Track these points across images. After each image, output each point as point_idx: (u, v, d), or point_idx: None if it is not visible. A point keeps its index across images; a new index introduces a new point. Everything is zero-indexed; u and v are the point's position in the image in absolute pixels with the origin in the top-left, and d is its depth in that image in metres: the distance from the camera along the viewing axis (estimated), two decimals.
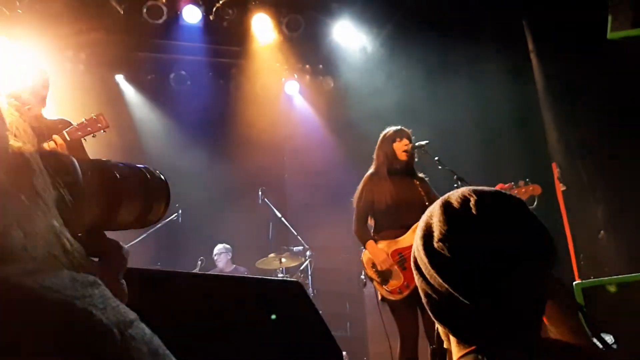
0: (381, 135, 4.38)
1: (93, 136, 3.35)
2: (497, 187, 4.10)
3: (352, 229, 4.31)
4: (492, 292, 0.92)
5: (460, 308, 0.94)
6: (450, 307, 0.96)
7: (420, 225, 1.07)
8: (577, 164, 5.29)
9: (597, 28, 4.46)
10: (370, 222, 4.32)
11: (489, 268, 0.92)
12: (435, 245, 0.98)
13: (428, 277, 0.99)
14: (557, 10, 5.20)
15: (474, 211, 0.98)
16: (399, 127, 4.33)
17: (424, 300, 1.03)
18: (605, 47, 4.51)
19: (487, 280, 0.92)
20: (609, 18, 3.77)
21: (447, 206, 1.03)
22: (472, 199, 1.01)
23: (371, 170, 4.35)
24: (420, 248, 1.01)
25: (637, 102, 4.70)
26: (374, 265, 4.12)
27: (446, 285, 0.95)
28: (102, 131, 3.39)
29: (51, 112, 3.55)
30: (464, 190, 1.05)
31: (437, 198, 1.03)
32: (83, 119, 3.35)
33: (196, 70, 7.46)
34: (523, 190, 4.08)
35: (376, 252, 4.09)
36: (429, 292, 1.00)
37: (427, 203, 4.28)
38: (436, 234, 0.99)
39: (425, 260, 0.99)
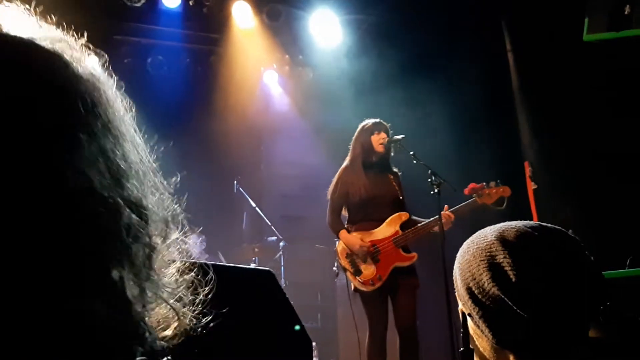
0: (359, 127, 4.40)
1: None
2: (470, 187, 4.17)
3: (326, 221, 4.33)
4: (548, 311, 1.01)
5: (514, 319, 1.01)
6: (504, 318, 1.03)
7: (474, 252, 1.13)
8: (549, 163, 5.38)
9: (574, 30, 4.52)
10: (344, 213, 4.34)
11: (550, 294, 1.01)
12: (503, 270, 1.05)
13: (482, 290, 1.06)
14: (535, 11, 5.27)
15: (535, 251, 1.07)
16: (377, 120, 4.36)
17: (470, 309, 1.10)
18: (581, 49, 4.58)
19: (545, 303, 1.01)
20: (585, 21, 3.84)
21: (504, 241, 1.10)
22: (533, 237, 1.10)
23: (347, 162, 4.37)
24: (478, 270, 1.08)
25: (611, 104, 4.80)
26: (348, 256, 4.15)
27: (505, 298, 1.02)
28: None
29: None
30: (522, 226, 1.13)
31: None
32: None
33: (174, 56, 7.36)
34: (494, 191, 4.15)
35: (350, 239, 4.12)
36: (479, 300, 1.07)
37: (400, 198, 4.32)
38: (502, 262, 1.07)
39: (485, 278, 1.06)
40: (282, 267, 6.36)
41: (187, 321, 0.67)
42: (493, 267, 1.06)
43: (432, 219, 4.08)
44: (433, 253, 4.21)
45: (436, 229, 4.02)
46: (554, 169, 5.27)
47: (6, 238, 0.48)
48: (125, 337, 0.54)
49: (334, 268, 4.44)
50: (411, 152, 4.20)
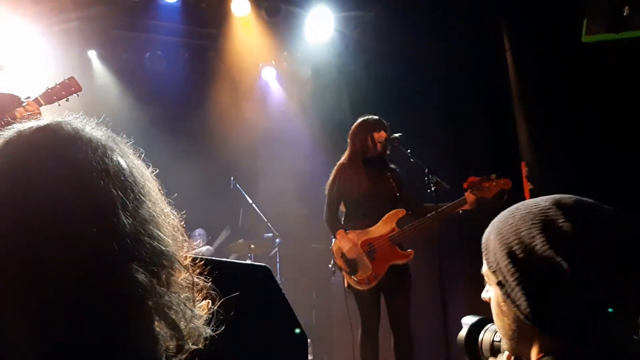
0: (359, 122, 4.37)
1: (66, 100, 3.35)
2: (469, 180, 4.15)
3: (324, 217, 4.32)
4: (614, 290, 0.89)
5: (563, 290, 0.90)
6: (550, 288, 0.91)
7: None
8: (545, 164, 5.39)
9: (573, 31, 4.53)
10: (342, 208, 4.34)
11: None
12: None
13: (530, 252, 0.95)
14: (535, 11, 5.27)
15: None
16: (377, 118, 4.34)
17: (505, 275, 0.98)
18: (580, 50, 4.59)
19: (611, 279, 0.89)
20: (584, 22, 3.84)
21: (563, 206, 1.02)
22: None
23: (344, 158, 4.36)
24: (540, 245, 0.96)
25: (609, 107, 4.80)
26: (343, 255, 4.15)
27: (561, 261, 0.91)
28: (75, 95, 3.40)
29: (23, 84, 3.52)
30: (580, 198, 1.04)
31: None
32: (55, 83, 3.35)
33: (172, 51, 7.34)
34: (494, 183, 4.13)
35: (343, 242, 4.12)
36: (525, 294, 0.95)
37: (397, 194, 4.32)
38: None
39: (539, 240, 0.95)
40: (278, 264, 6.36)
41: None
42: (549, 229, 0.95)
43: (428, 215, 4.07)
44: (428, 250, 4.20)
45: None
46: (551, 170, 5.28)
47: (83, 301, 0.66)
48: None
49: (330, 266, 4.44)
50: (408, 151, 4.20)
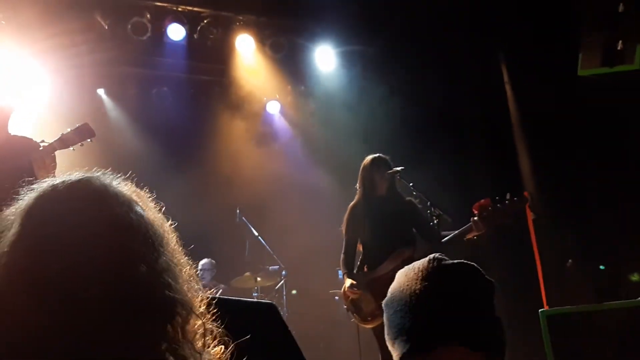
0: (363, 164, 4.41)
1: (81, 145, 3.38)
2: (478, 204, 4.09)
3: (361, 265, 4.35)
4: None
5: None
6: None
7: None
8: (548, 193, 5.43)
9: (570, 64, 4.62)
10: (359, 248, 4.37)
11: None
12: None
13: None
14: (533, 45, 5.38)
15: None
16: (377, 156, 4.35)
17: None
18: (577, 82, 4.68)
19: None
20: (580, 56, 3.93)
21: None
22: None
23: (356, 199, 4.39)
24: None
25: (607, 137, 4.87)
26: (349, 297, 4.17)
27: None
28: (88, 140, 3.42)
29: (33, 124, 3.57)
30: None
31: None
32: (69, 129, 3.39)
33: (179, 87, 7.49)
34: (507, 203, 4.06)
35: (348, 283, 4.16)
36: None
37: (407, 231, 4.28)
38: None
39: None
40: (284, 296, 6.37)
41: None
42: None
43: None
44: None
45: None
46: (553, 200, 5.32)
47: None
48: None
49: (337, 298, 4.43)
50: (410, 184, 4.24)
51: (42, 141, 3.20)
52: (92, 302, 0.73)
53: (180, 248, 0.91)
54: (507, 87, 5.88)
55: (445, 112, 6.30)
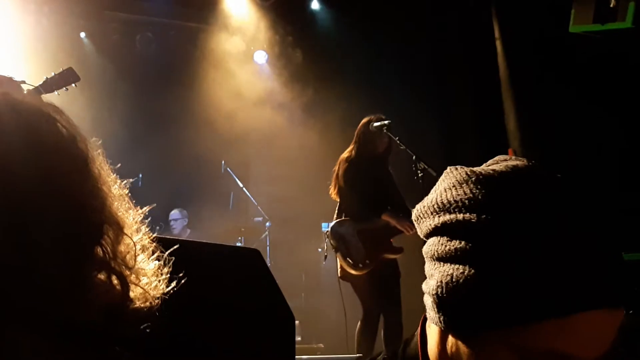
0: (362, 123, 4.35)
1: (66, 90, 3.35)
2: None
3: (356, 213, 4.28)
4: None
5: None
6: None
7: None
8: (533, 151, 5.47)
9: (562, 20, 4.58)
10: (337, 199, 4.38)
11: None
12: None
13: None
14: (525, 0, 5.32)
15: None
16: (386, 122, 4.24)
17: None
18: (568, 39, 4.64)
19: None
20: (572, 12, 3.89)
21: None
22: None
23: (354, 155, 4.32)
24: None
25: (596, 94, 4.87)
26: (340, 238, 4.19)
27: None
28: (73, 85, 3.40)
29: (17, 64, 3.50)
30: None
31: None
32: (53, 73, 3.35)
33: (163, 33, 7.31)
34: None
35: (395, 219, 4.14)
36: None
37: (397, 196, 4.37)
38: None
39: None
40: (268, 247, 6.43)
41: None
42: None
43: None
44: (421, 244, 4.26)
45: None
46: (538, 157, 5.36)
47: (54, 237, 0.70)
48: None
49: (320, 250, 4.47)
50: (397, 138, 4.22)
51: (23, 82, 3.13)
52: (9, 230, 0.67)
53: (108, 166, 0.84)
54: (497, 43, 5.83)
55: (432, 68, 6.26)
